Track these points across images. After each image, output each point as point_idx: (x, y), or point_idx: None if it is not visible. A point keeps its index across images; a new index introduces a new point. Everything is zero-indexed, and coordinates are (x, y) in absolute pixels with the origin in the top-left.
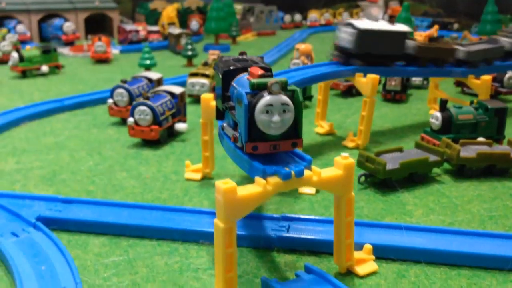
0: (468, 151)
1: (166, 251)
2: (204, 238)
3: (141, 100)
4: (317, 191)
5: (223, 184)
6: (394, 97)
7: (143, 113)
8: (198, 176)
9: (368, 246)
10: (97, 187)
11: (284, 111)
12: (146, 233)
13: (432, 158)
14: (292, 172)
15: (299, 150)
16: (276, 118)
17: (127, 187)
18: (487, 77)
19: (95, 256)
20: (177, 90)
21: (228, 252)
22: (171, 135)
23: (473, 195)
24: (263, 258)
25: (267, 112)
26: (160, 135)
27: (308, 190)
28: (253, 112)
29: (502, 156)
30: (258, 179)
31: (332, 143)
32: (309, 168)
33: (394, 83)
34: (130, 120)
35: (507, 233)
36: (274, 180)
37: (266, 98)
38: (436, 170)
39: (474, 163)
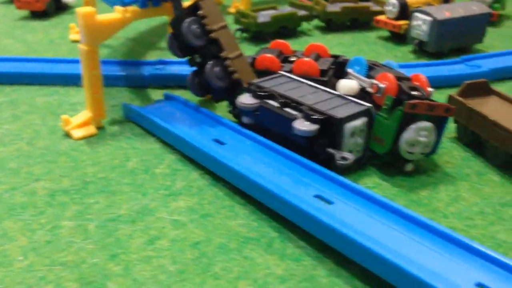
0: (334, 7)
1: (47, 93)
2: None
3: None
4: None
5: (83, 9)
6: None
7: None
8: None
9: None
10: None
11: None
12: (28, 80)
13: (301, 13)
14: (149, 2)
15: None
16: None
17: (12, 50)
18: None
19: None
20: None
21: (94, 74)
22: (60, 8)
23: (335, 43)
24: (137, 93)
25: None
26: (47, 6)
27: None
28: None
29: (363, 9)
30: (117, 7)
31: None
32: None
33: None
34: None
35: None
36: (132, 8)
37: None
38: (307, 26)
39: (339, 16)
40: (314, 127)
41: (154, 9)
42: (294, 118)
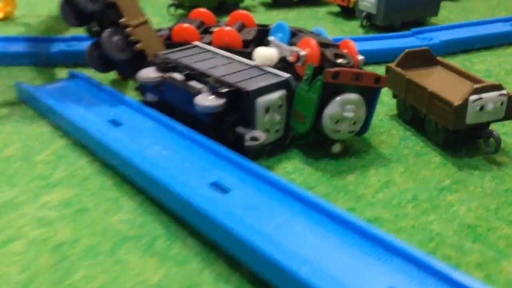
0: None
1: None
2: None
3: None
4: None
5: None
6: None
7: None
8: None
9: None
10: None
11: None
12: None
13: None
14: None
15: None
16: None
17: None
18: None
19: None
20: None
21: None
22: None
23: (280, 19)
24: (43, 72)
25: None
26: None
27: None
28: None
29: None
30: None
31: None
32: None
33: None
34: None
35: None
36: None
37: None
38: (251, 2)
39: None
40: (219, 101)
41: None
42: (199, 92)
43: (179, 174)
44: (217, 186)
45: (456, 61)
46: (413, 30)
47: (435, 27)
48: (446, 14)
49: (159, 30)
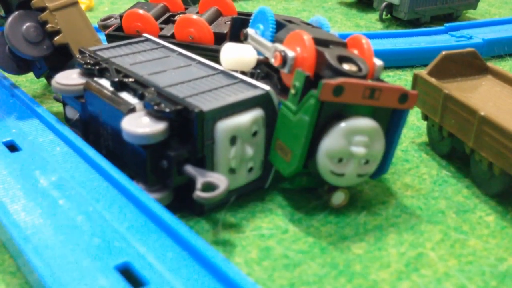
0: None
1: None
2: None
3: None
4: None
5: None
6: None
7: None
8: None
9: None
10: None
11: None
12: None
13: None
14: None
15: None
16: None
17: None
18: None
19: None
20: None
21: None
22: None
23: (280, 8)
24: None
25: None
26: None
27: None
28: None
29: None
30: None
31: None
32: None
33: None
34: None
35: None
36: None
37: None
38: None
39: None
40: (156, 127)
41: None
42: (130, 110)
43: (68, 249)
44: (127, 274)
45: (504, 68)
46: (448, 25)
47: (474, 22)
48: (486, 7)
49: (108, 18)
